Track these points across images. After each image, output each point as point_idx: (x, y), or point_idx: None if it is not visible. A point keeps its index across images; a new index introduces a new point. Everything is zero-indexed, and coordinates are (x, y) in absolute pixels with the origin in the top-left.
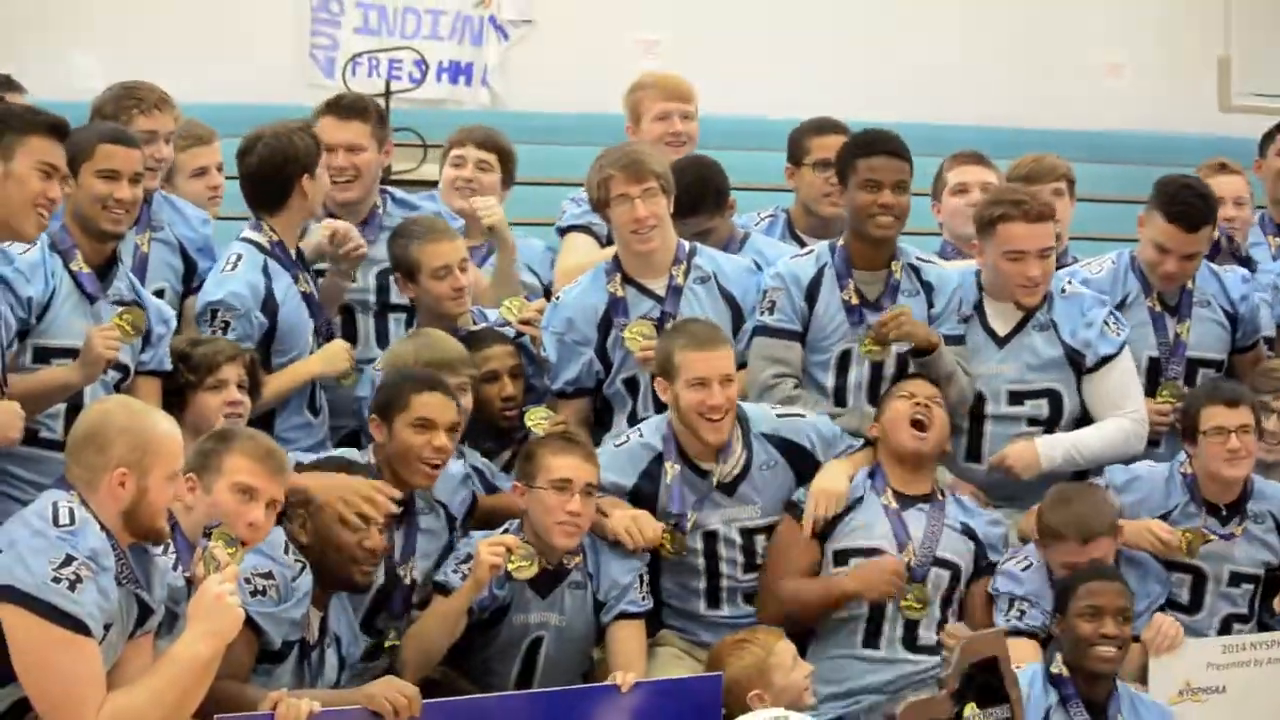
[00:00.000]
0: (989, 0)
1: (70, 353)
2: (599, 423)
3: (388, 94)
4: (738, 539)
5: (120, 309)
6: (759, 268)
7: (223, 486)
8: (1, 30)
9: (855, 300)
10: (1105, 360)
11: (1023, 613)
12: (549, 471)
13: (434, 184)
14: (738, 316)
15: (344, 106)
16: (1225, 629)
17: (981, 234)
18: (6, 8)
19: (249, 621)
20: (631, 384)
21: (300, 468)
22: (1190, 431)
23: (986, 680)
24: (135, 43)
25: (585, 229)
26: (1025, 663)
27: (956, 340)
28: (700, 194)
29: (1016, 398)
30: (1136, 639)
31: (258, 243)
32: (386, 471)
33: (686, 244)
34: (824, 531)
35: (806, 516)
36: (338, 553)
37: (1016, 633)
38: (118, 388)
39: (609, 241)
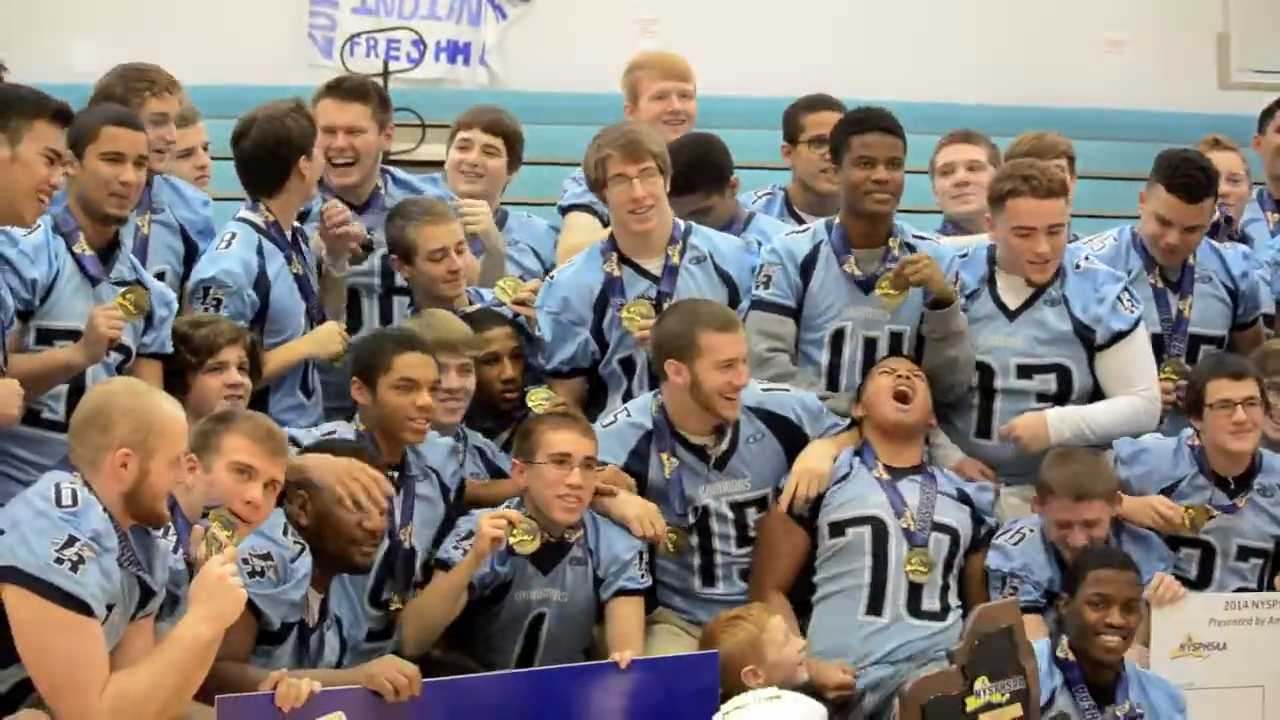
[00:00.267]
0: None
1: (73, 334)
2: (593, 402)
3: (386, 74)
4: (729, 513)
5: (123, 289)
6: (761, 246)
7: (221, 466)
8: None
9: (858, 273)
10: (1118, 337)
11: (1015, 589)
12: (548, 446)
13: (432, 164)
14: (734, 296)
15: (345, 89)
16: None
17: (993, 207)
18: None
19: (248, 603)
20: (628, 364)
21: (300, 450)
22: (1196, 405)
23: (998, 651)
24: (134, 25)
25: (587, 208)
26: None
27: None
28: (699, 171)
29: (1025, 371)
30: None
31: (253, 222)
32: (378, 435)
33: (682, 223)
34: (810, 511)
35: (785, 495)
36: (337, 534)
37: None
38: (119, 370)
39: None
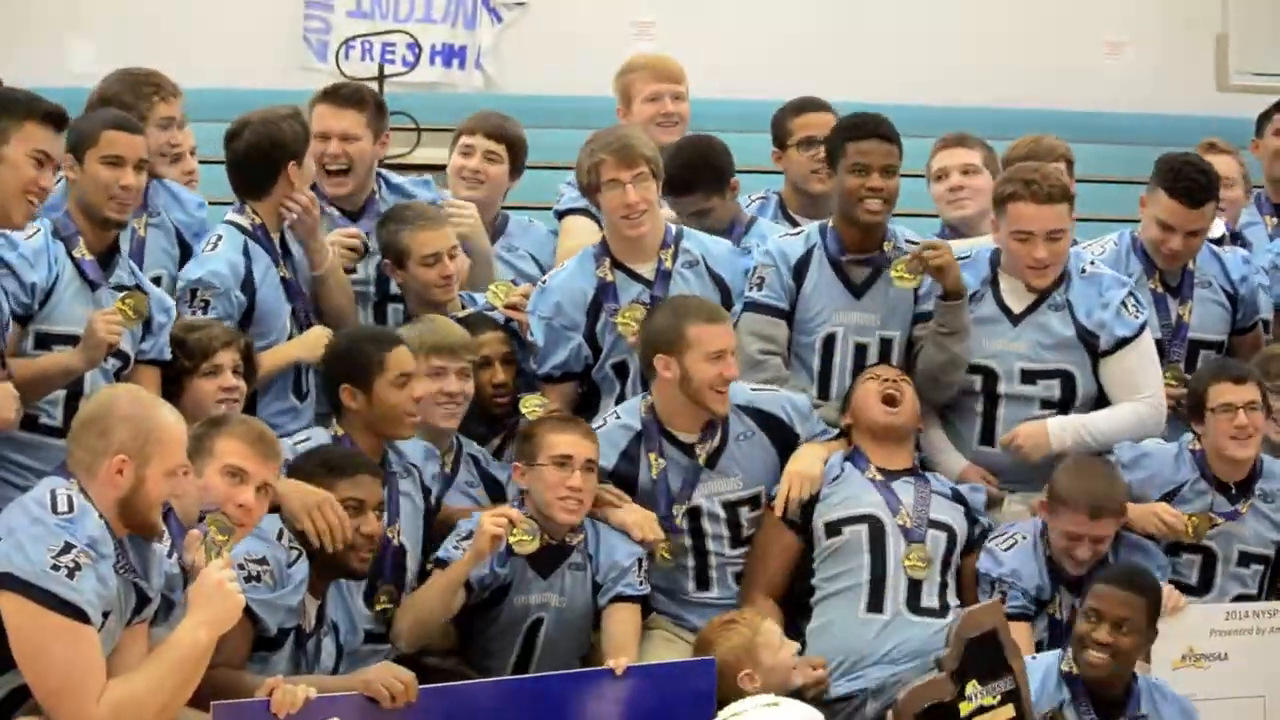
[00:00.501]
0: None
1: (72, 339)
2: (586, 407)
3: (381, 77)
4: (721, 513)
5: (123, 294)
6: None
7: (214, 469)
8: None
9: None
10: (1122, 343)
11: (1004, 595)
12: (550, 448)
13: (427, 168)
14: (726, 299)
15: (341, 95)
16: None
17: (996, 211)
18: None
19: (245, 608)
20: (620, 369)
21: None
22: (1197, 410)
23: (986, 654)
24: (131, 29)
25: (584, 211)
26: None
27: (929, 317)
28: (697, 172)
29: (1029, 376)
30: None
31: (240, 224)
32: (363, 437)
33: (673, 227)
34: (802, 515)
35: (779, 498)
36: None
37: None
38: (118, 376)
39: None
